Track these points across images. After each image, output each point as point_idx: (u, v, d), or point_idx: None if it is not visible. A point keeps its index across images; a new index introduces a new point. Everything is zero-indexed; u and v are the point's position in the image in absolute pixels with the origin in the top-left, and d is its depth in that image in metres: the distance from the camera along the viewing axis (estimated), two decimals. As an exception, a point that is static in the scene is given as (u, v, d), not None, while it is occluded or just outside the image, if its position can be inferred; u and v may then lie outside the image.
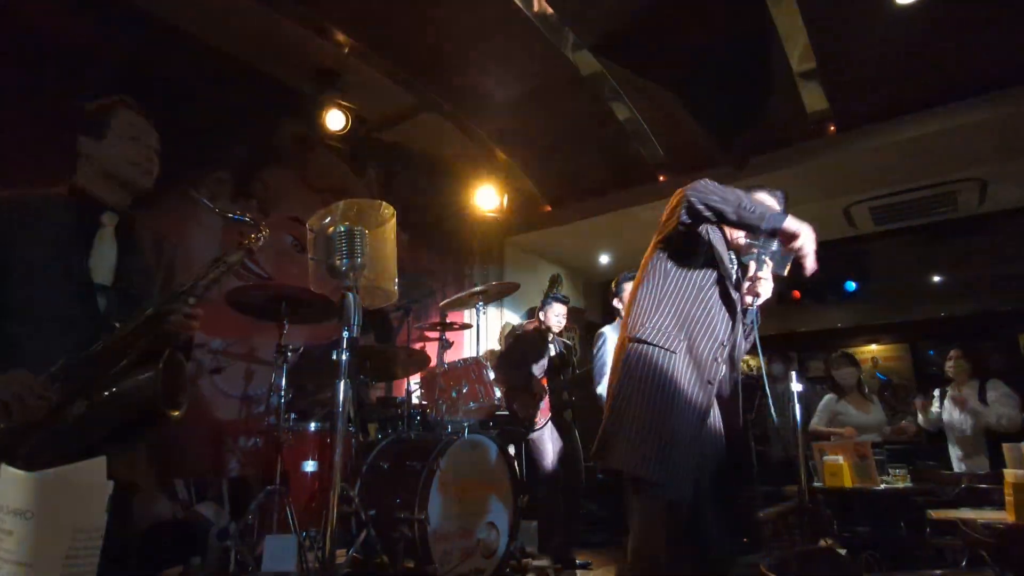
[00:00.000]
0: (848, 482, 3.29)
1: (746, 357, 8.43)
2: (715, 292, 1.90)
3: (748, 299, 1.85)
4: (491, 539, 2.97)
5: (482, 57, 4.25)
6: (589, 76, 4.26)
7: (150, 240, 1.69)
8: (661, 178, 5.07)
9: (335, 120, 4.34)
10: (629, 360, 1.86)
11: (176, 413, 1.36)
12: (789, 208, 1.99)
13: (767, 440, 4.87)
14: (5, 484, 0.53)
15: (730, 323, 1.91)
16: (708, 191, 1.79)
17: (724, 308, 1.91)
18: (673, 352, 1.82)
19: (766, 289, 1.83)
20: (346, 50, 4.12)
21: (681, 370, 1.80)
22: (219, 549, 2.82)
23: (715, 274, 1.92)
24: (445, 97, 4.67)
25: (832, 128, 4.50)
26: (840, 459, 3.32)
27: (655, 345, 1.83)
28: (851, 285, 6.82)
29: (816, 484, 3.39)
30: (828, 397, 4.51)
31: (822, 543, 2.72)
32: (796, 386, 2.70)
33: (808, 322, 7.85)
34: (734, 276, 1.98)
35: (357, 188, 5.03)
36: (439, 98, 4.67)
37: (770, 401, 1.92)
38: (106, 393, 1.28)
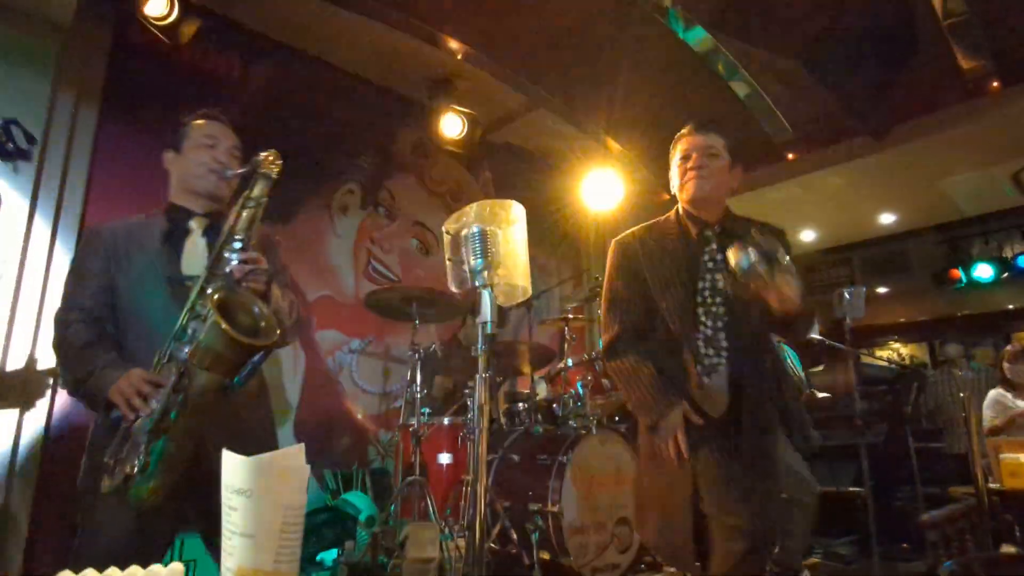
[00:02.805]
0: (1033, 484, 2.89)
1: (896, 345, 7.66)
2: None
3: (777, 314, 1.58)
4: (625, 534, 2.93)
5: (590, 48, 4.20)
6: (703, 54, 4.07)
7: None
8: (790, 156, 4.74)
9: (451, 125, 4.48)
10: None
11: (256, 342, 1.33)
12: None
13: (931, 435, 4.40)
14: (227, 467, 0.61)
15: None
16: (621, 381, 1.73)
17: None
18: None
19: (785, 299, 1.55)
20: (458, 56, 4.25)
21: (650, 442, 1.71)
22: (367, 536, 3.02)
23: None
24: (556, 93, 4.68)
25: (995, 84, 3.96)
26: (1022, 457, 2.92)
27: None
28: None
29: (992, 485, 3.01)
30: (996, 392, 3.96)
31: (1004, 550, 2.41)
32: (965, 373, 2.40)
33: (972, 304, 6.96)
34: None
35: (473, 190, 5.18)
36: (550, 94, 4.68)
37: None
38: (196, 354, 1.33)
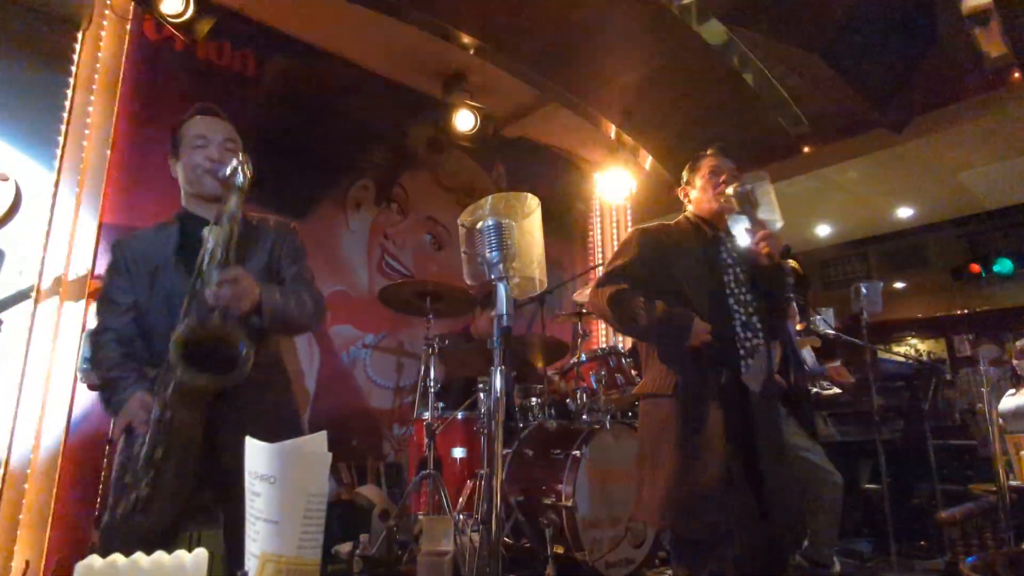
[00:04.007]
0: (1055, 481, 2.85)
1: (914, 341, 7.61)
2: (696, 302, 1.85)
3: (763, 260, 1.82)
4: (639, 529, 2.93)
5: (604, 42, 4.18)
6: (718, 47, 4.03)
7: (263, 237, 1.71)
8: (806, 149, 4.68)
9: (464, 121, 4.48)
10: (640, 419, 1.98)
11: (219, 381, 1.34)
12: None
13: (950, 432, 4.34)
14: (251, 453, 0.62)
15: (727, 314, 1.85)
16: (618, 320, 1.91)
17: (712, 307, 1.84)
18: (669, 396, 1.84)
19: (772, 245, 1.80)
20: (471, 51, 4.25)
21: (677, 412, 1.81)
22: (381, 528, 3.03)
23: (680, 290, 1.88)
24: (569, 87, 4.66)
25: (1016, 75, 3.89)
26: (1044, 454, 2.88)
27: (650, 396, 1.91)
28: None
29: (1014, 482, 2.97)
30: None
31: (1026, 549, 2.38)
32: (988, 370, 2.37)
33: (994, 299, 6.85)
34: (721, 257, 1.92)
35: (486, 184, 5.18)
36: (563, 89, 4.67)
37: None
38: (173, 391, 1.36)
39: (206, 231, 1.52)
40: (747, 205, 1.80)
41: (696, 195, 2.05)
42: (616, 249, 2.06)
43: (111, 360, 1.54)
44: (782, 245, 1.83)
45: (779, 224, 1.83)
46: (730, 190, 1.84)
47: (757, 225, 1.80)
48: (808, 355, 3.62)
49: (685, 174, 2.11)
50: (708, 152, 2.08)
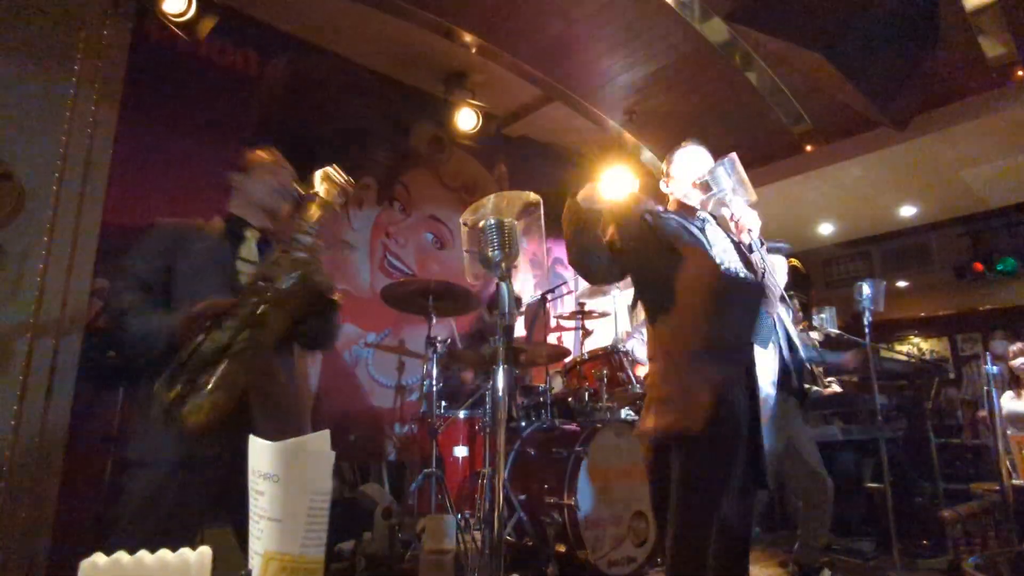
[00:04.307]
0: (1058, 480, 2.84)
1: (916, 340, 7.57)
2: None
3: (744, 238, 1.89)
4: (641, 528, 2.93)
5: (606, 41, 4.17)
6: (720, 45, 4.02)
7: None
8: (808, 148, 4.67)
9: (466, 120, 4.49)
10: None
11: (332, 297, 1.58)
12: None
13: (952, 431, 4.34)
14: (255, 451, 0.62)
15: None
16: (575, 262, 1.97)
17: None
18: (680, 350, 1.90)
19: (751, 219, 1.87)
20: (473, 50, 4.24)
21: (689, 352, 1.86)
22: (384, 527, 3.04)
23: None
24: (571, 86, 4.65)
25: (1020, 72, 3.88)
26: (1047, 453, 2.87)
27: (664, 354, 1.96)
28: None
29: (1016, 481, 2.96)
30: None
31: (1029, 548, 2.38)
32: (990, 368, 2.36)
33: (996, 298, 6.83)
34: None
35: (488, 184, 5.18)
36: (565, 87, 4.66)
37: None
38: (275, 294, 1.52)
39: (248, 232, 1.79)
40: (719, 184, 1.90)
41: (675, 184, 2.14)
42: None
43: (134, 300, 1.63)
44: (759, 223, 1.89)
45: (752, 199, 1.91)
46: (704, 173, 1.95)
47: (731, 204, 1.89)
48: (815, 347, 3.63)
49: (664, 166, 2.20)
50: (683, 143, 2.18)
